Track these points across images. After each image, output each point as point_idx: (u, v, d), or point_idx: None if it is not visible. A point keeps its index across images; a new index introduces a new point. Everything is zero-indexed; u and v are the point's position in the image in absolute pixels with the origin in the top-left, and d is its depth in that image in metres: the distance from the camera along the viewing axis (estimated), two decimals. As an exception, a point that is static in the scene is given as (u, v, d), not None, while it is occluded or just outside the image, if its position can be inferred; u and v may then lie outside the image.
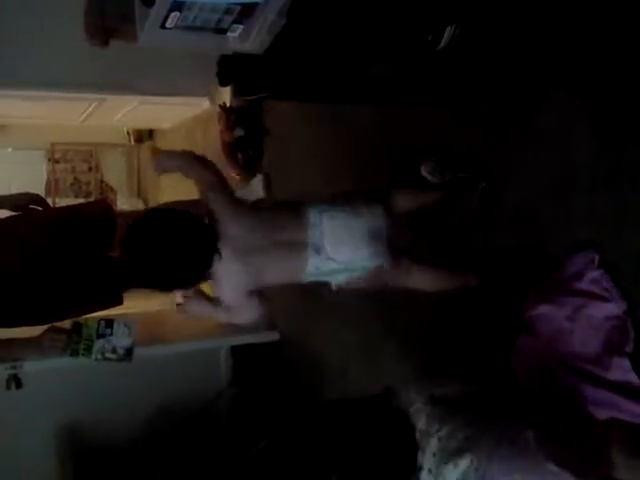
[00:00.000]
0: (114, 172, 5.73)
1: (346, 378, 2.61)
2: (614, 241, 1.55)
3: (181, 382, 3.25)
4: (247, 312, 1.57)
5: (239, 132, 3.22)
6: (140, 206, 5.45)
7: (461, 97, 1.92)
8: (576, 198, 1.63)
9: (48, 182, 5.50)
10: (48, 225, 2.13)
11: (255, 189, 3.12)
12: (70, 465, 2.97)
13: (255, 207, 1.64)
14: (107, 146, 5.69)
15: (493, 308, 1.87)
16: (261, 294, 1.56)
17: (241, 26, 1.57)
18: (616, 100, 1.53)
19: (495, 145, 1.85)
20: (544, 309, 1.61)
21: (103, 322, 1.96)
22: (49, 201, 2.42)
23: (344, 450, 1.38)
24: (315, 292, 1.72)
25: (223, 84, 2.94)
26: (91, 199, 5.38)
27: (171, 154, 1.71)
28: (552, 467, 1.21)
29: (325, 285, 1.63)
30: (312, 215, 1.54)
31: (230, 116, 3.22)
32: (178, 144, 4.56)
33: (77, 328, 1.95)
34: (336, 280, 1.60)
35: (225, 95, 3.34)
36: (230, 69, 2.34)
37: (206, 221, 1.47)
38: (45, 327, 2.02)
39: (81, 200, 5.32)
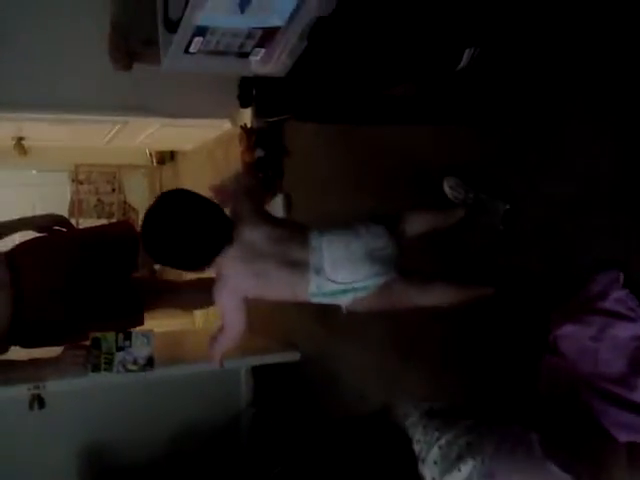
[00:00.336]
0: (137, 193, 5.79)
1: (365, 400, 2.60)
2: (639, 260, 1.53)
3: (202, 402, 3.26)
4: (237, 321, 1.60)
5: (259, 153, 3.25)
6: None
7: (482, 117, 1.92)
8: (599, 216, 1.62)
9: (72, 203, 5.58)
10: (74, 246, 2.16)
11: (275, 209, 3.14)
12: (92, 485, 2.98)
13: (276, 221, 1.69)
14: (130, 167, 5.76)
15: (516, 329, 1.86)
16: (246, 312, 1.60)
17: (263, 49, 1.59)
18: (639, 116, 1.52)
19: (517, 164, 1.84)
20: (569, 329, 1.59)
21: (122, 335, 1.98)
22: (72, 222, 2.45)
23: (344, 468, 1.40)
24: (333, 314, 1.74)
25: (244, 106, 2.98)
26: (114, 220, 5.44)
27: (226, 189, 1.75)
28: (554, 468, 1.19)
29: (339, 307, 1.66)
30: (313, 239, 1.59)
31: (251, 137, 3.25)
32: (199, 165, 4.61)
33: (96, 343, 1.96)
34: (341, 301, 1.62)
35: (246, 117, 3.38)
36: (251, 91, 2.37)
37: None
38: (61, 347, 2.04)
39: (104, 221, 5.39)
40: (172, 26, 1.53)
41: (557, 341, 1.63)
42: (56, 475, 3.00)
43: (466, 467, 1.29)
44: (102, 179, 5.68)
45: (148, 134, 4.01)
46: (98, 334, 1.96)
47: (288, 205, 3.12)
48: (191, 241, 1.50)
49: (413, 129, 2.19)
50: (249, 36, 1.54)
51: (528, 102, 1.80)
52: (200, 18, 1.43)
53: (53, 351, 2.04)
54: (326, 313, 2.13)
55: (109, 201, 5.71)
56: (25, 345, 2.07)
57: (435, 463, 1.34)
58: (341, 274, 1.57)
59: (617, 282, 1.56)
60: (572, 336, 1.58)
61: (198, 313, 4.20)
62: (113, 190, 5.71)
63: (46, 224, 2.22)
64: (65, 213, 4.80)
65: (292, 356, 3.04)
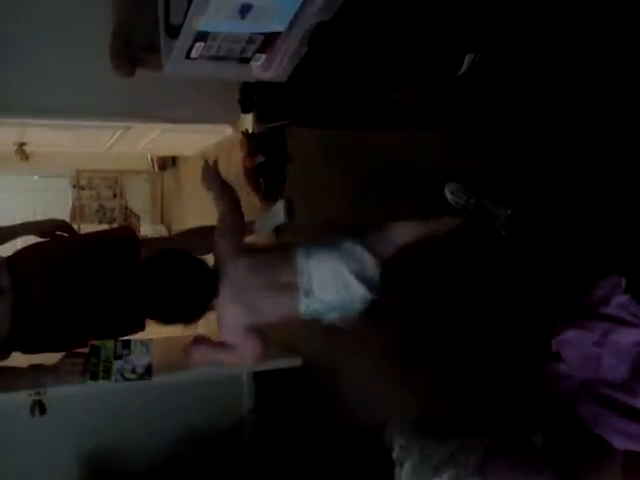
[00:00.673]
0: (138, 199, 5.81)
1: (366, 407, 2.59)
2: (641, 266, 1.53)
3: (203, 407, 3.25)
4: (248, 349, 1.66)
5: (261, 158, 3.25)
6: (163, 232, 5.50)
7: (483, 122, 1.92)
8: (601, 222, 1.61)
9: (73, 208, 5.59)
10: (75, 251, 2.16)
11: (277, 215, 3.14)
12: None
13: (256, 250, 1.76)
14: (131, 173, 5.78)
15: (519, 335, 1.85)
16: (261, 333, 1.66)
17: (264, 55, 1.59)
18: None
19: (518, 169, 1.84)
20: (571, 334, 1.58)
21: (120, 343, 1.97)
22: (74, 227, 2.45)
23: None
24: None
25: (245, 111, 2.98)
26: (115, 225, 5.45)
27: (217, 179, 1.83)
28: (551, 476, 1.19)
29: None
30: (300, 261, 1.64)
31: (252, 143, 3.25)
32: (201, 171, 4.61)
33: (95, 350, 1.95)
34: (328, 319, 1.74)
35: (247, 122, 3.38)
36: (252, 96, 2.37)
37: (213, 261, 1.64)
38: (60, 354, 2.04)
39: (105, 226, 5.40)
40: (173, 32, 1.53)
41: (559, 347, 1.63)
42: (57, 481, 3.00)
43: (446, 475, 1.28)
44: (104, 185, 5.70)
45: (150, 140, 4.02)
46: (97, 342, 1.95)
47: (289, 210, 3.12)
48: (180, 300, 1.58)
49: (415, 134, 2.19)
50: (250, 41, 1.54)
51: (530, 107, 1.80)
52: (201, 23, 1.43)
53: (53, 357, 2.04)
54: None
55: (111, 206, 5.72)
56: (26, 351, 2.07)
57: (414, 470, 1.33)
58: (329, 294, 1.63)
59: (619, 287, 1.55)
60: (574, 342, 1.57)
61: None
62: (114, 196, 5.72)
63: (48, 229, 2.22)
64: (67, 218, 4.79)
65: (294, 362, 3.03)
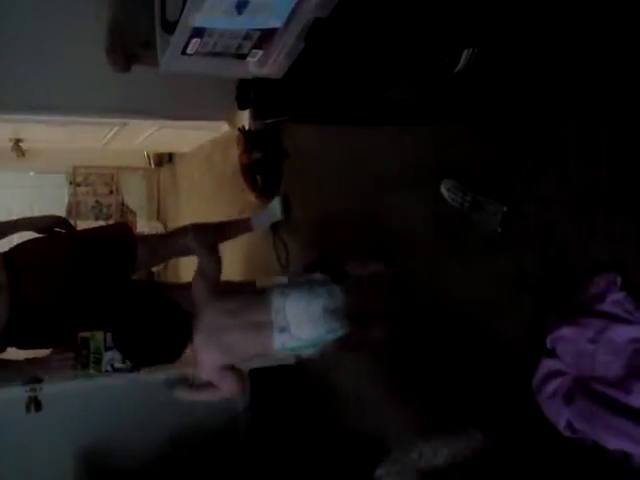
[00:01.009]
0: (134, 195, 5.80)
1: (362, 407, 2.60)
2: (637, 262, 1.53)
3: (198, 405, 3.24)
4: (225, 387, 1.78)
5: (257, 155, 3.24)
6: (160, 229, 5.49)
7: (480, 118, 1.92)
8: (597, 219, 1.62)
9: (69, 205, 5.57)
10: (72, 248, 2.16)
11: (274, 211, 3.14)
12: (88, 488, 2.97)
13: (231, 292, 1.90)
14: (128, 169, 5.76)
15: (513, 332, 1.86)
16: (237, 371, 1.80)
17: (260, 51, 1.59)
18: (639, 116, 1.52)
19: (514, 166, 1.84)
20: (566, 331, 1.58)
21: (109, 335, 1.98)
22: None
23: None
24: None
25: (242, 108, 2.98)
26: (111, 222, 5.44)
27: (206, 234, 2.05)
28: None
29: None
30: (275, 300, 1.74)
31: (249, 139, 3.25)
32: (197, 167, 4.61)
33: (85, 342, 1.97)
34: (304, 354, 1.85)
35: (244, 118, 3.38)
36: (249, 93, 2.36)
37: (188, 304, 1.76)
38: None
39: (102, 223, 5.39)
40: (170, 27, 1.53)
41: (554, 343, 1.63)
42: (52, 478, 2.99)
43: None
44: (100, 181, 5.68)
45: (146, 136, 4.01)
46: (87, 333, 1.97)
47: (286, 207, 3.12)
48: (157, 347, 1.70)
49: (411, 131, 2.19)
50: (247, 37, 1.54)
51: (527, 104, 1.80)
52: (197, 19, 1.43)
53: (46, 351, 2.04)
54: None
55: (107, 203, 5.70)
56: (21, 346, 2.07)
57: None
58: (304, 332, 1.73)
59: (615, 284, 1.55)
60: (569, 338, 1.58)
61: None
62: (111, 192, 5.70)
63: (46, 225, 2.22)
64: (63, 214, 4.78)
65: (288, 359, 3.02)
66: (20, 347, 2.07)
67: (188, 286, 1.85)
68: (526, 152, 1.81)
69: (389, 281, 2.29)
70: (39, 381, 2.49)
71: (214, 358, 1.74)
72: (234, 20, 1.46)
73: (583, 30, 1.64)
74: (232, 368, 1.78)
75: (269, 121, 2.76)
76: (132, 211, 5.75)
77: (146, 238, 2.63)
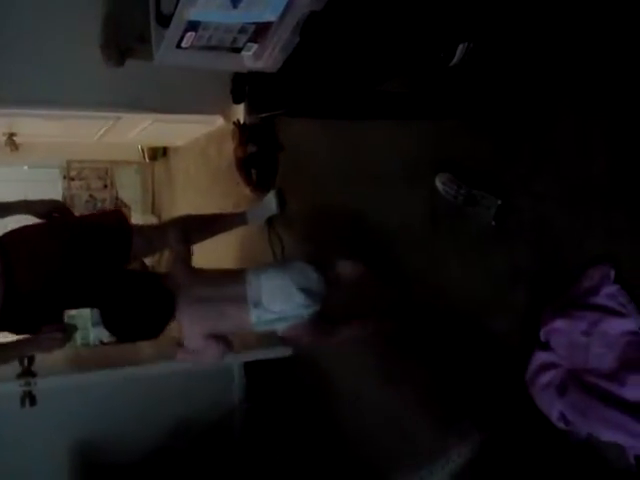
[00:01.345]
0: (129, 189, 5.78)
1: (356, 396, 2.61)
2: (631, 256, 1.54)
3: (194, 398, 3.25)
4: (208, 353, 1.90)
5: (252, 148, 3.24)
6: (154, 222, 5.48)
7: (475, 113, 1.92)
8: (591, 212, 1.62)
9: (63, 199, 5.55)
10: (67, 236, 2.16)
11: (269, 205, 3.14)
12: (83, 481, 2.98)
13: (208, 270, 2.00)
14: (122, 163, 5.74)
15: (507, 325, 1.87)
16: (222, 338, 1.90)
17: (255, 45, 1.59)
18: (635, 112, 1.52)
19: (509, 160, 1.85)
20: (560, 324, 1.59)
21: (96, 311, 1.98)
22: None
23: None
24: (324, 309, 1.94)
25: (237, 101, 2.98)
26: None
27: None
28: None
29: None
30: (250, 275, 1.89)
31: (244, 133, 3.25)
32: (191, 161, 4.60)
33: (71, 320, 1.97)
34: (278, 328, 1.93)
35: (239, 112, 3.37)
36: (244, 86, 2.37)
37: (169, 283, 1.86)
38: None
39: (96, 217, 5.36)
40: (164, 21, 1.53)
41: (548, 336, 1.64)
42: (47, 472, 2.99)
43: None
44: (94, 175, 5.66)
45: (140, 130, 4.00)
46: (73, 311, 1.97)
47: (281, 201, 3.12)
48: (142, 319, 1.81)
49: (407, 125, 2.19)
50: (242, 31, 1.54)
51: (522, 98, 1.80)
52: (192, 13, 1.43)
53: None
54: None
55: (101, 197, 5.69)
56: (16, 332, 2.06)
57: None
58: (277, 305, 1.85)
59: (608, 278, 1.56)
60: (563, 331, 1.59)
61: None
62: (105, 186, 5.69)
63: (44, 210, 2.20)
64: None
65: (283, 351, 3.03)
66: (15, 332, 2.07)
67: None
68: (521, 146, 1.82)
69: (383, 276, 2.30)
70: (33, 375, 2.49)
71: (194, 327, 1.86)
72: (229, 14, 1.45)
73: (578, 25, 1.64)
74: (215, 337, 1.88)
75: (264, 115, 2.76)
76: (126, 205, 5.74)
77: (141, 228, 2.63)
